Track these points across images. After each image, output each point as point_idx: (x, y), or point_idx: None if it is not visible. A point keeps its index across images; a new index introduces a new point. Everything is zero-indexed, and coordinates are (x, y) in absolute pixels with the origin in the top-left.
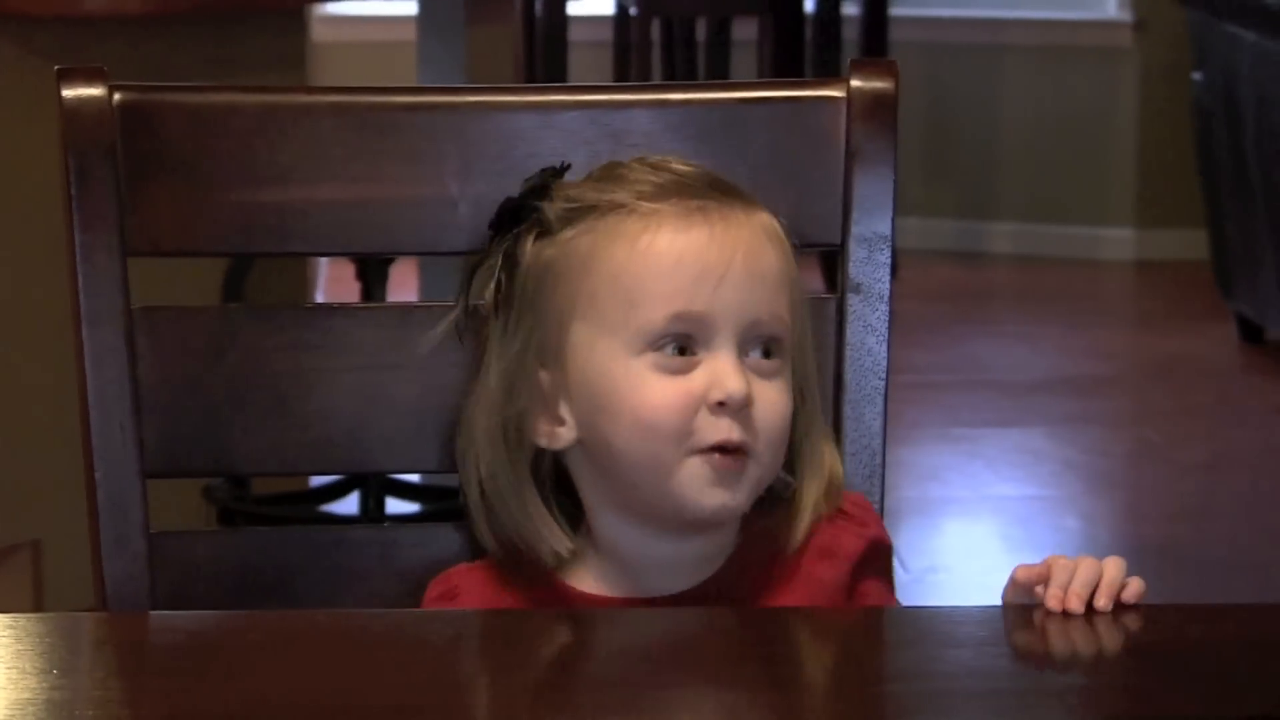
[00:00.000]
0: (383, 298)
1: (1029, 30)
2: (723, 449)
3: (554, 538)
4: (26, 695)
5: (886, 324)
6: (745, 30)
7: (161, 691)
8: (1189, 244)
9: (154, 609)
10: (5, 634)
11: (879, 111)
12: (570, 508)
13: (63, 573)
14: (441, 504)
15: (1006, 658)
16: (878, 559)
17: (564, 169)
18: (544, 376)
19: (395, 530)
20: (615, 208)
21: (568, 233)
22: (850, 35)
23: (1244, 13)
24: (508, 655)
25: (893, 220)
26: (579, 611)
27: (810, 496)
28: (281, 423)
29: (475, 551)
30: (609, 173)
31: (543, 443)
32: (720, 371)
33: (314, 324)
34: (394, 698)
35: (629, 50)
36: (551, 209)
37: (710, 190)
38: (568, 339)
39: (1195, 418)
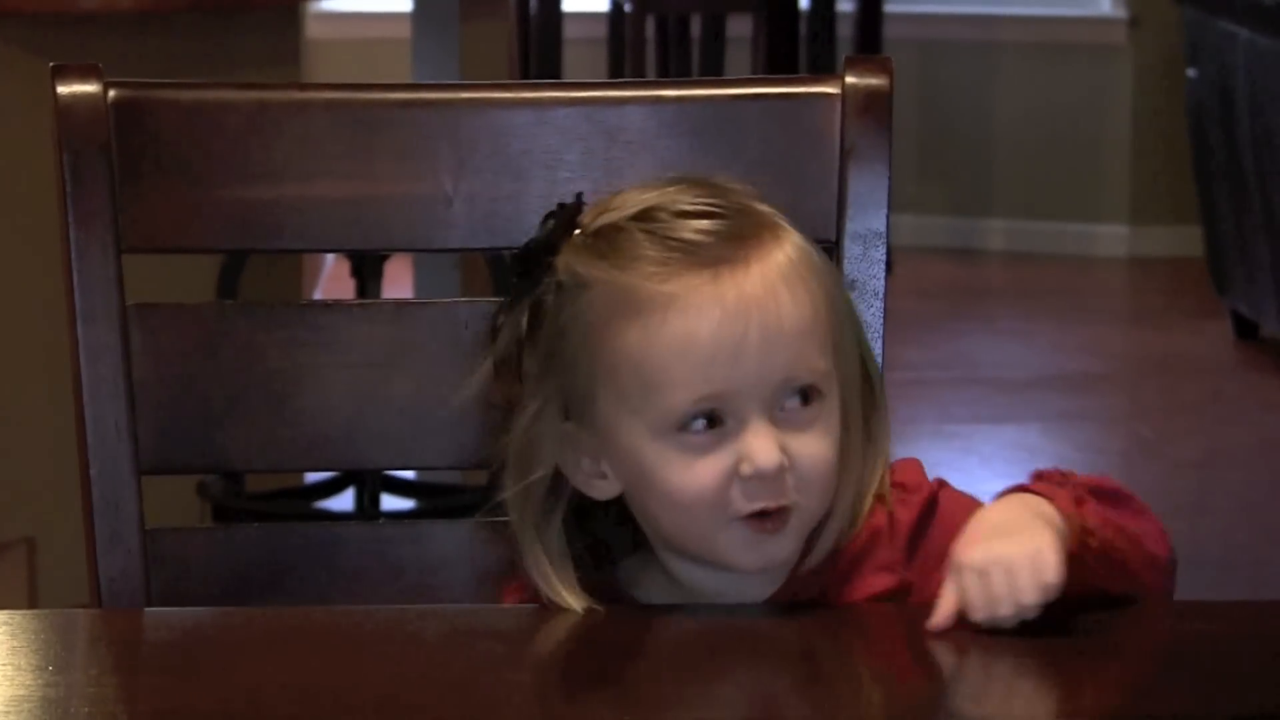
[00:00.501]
0: (377, 294)
1: (1023, 27)
2: (761, 514)
3: (560, 600)
4: (22, 692)
5: (881, 320)
6: (740, 27)
7: (156, 688)
8: (1183, 241)
9: (149, 606)
10: (0, 631)
11: (873, 108)
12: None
13: (57, 570)
14: (437, 501)
15: (1001, 654)
16: (932, 510)
17: (580, 205)
18: (570, 428)
19: (390, 527)
20: (624, 290)
21: (581, 300)
22: (845, 32)
23: (1238, 10)
24: (502, 651)
25: (887, 217)
26: (575, 608)
27: (837, 516)
28: (276, 419)
29: (470, 549)
30: (613, 243)
31: (585, 491)
32: (750, 445)
33: (308, 321)
34: (388, 694)
35: (624, 47)
36: (563, 273)
37: (722, 251)
38: (595, 405)
39: (1190, 414)
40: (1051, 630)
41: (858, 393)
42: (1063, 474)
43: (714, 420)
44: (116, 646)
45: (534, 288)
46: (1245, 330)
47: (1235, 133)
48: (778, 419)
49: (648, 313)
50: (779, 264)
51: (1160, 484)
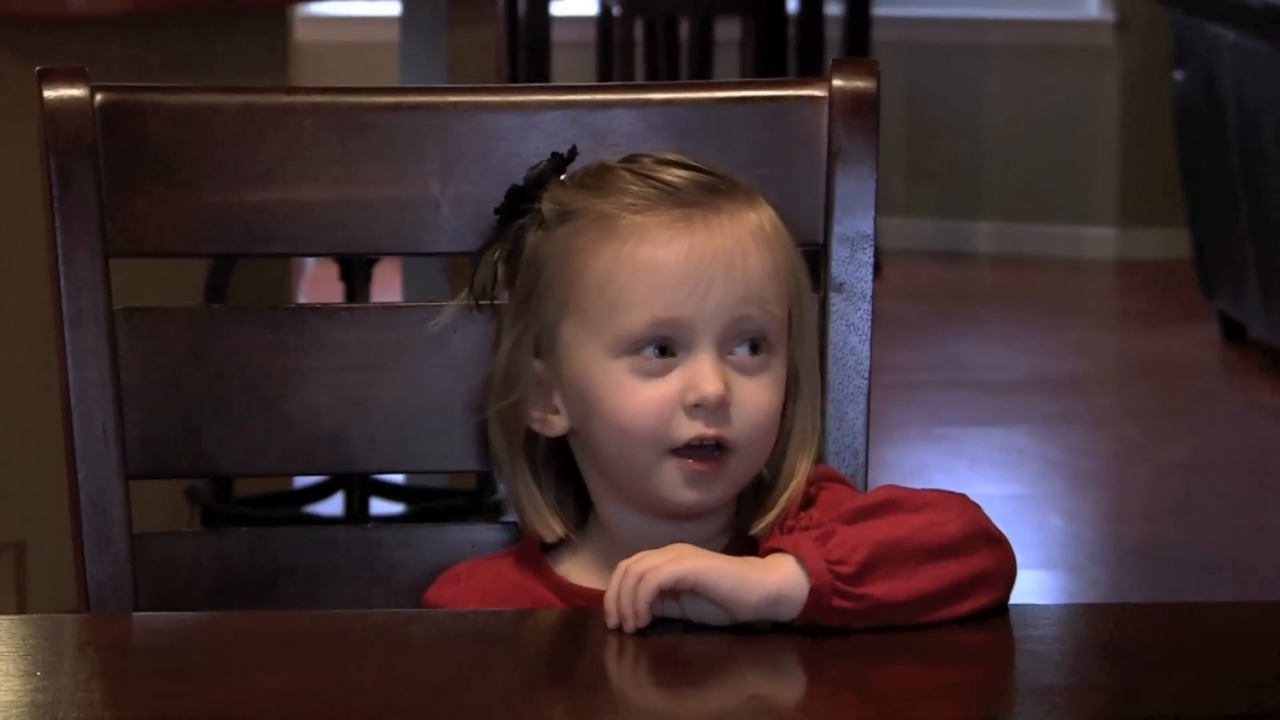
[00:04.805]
0: (366, 298)
1: (1011, 30)
2: (698, 447)
3: (541, 523)
4: (10, 698)
5: (869, 323)
6: (728, 30)
7: (144, 693)
8: (1170, 243)
9: (137, 610)
10: None
11: (861, 111)
12: (578, 494)
13: (46, 575)
14: (425, 505)
15: (987, 658)
16: (813, 499)
17: (571, 156)
18: (539, 366)
19: (379, 531)
20: (602, 217)
21: (560, 231)
22: (833, 35)
23: (1224, 12)
24: (490, 655)
25: (875, 219)
26: (562, 611)
27: (786, 487)
28: (264, 423)
29: (458, 552)
30: (599, 178)
31: (536, 428)
32: (697, 374)
33: (297, 325)
34: (377, 698)
35: (612, 50)
36: (548, 205)
37: (698, 196)
38: (559, 335)
39: (1177, 416)
40: (1030, 633)
41: (816, 379)
42: (813, 518)
43: (666, 350)
44: (104, 651)
45: (517, 223)
46: (1232, 332)
47: (1222, 135)
48: (726, 361)
49: (621, 239)
50: (750, 222)
51: (1147, 485)
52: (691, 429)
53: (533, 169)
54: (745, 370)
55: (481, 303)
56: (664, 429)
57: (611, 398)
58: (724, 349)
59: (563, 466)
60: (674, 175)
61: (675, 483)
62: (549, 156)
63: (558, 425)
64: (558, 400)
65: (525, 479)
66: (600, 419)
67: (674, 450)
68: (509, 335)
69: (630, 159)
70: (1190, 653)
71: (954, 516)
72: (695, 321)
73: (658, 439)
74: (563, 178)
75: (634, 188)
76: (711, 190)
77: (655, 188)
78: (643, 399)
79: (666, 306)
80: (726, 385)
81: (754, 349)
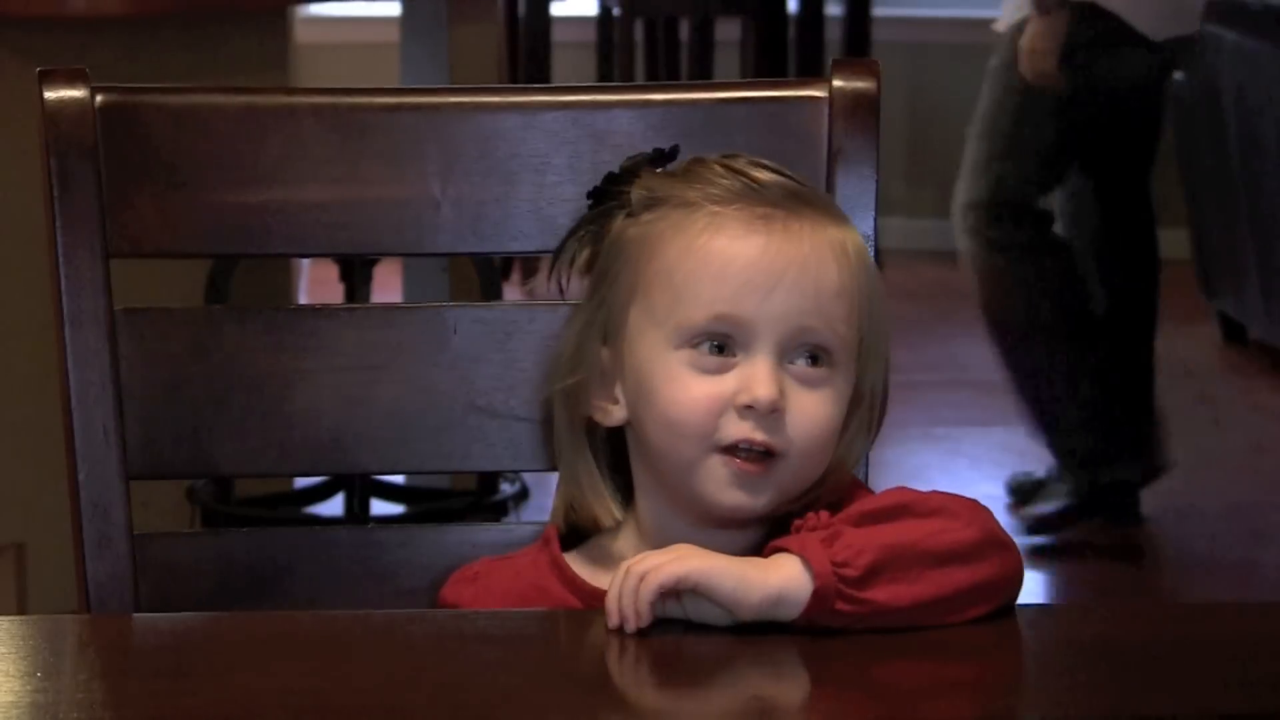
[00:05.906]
0: (366, 299)
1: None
2: (745, 450)
3: (601, 506)
4: (10, 698)
5: None
6: (728, 31)
7: (145, 694)
8: (1171, 244)
9: (137, 611)
10: None
11: (861, 111)
12: (621, 488)
13: (46, 575)
14: (425, 505)
15: (989, 657)
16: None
17: (673, 154)
18: (605, 353)
19: (379, 532)
20: (685, 204)
21: (644, 218)
22: (833, 35)
23: (1224, 14)
24: (492, 656)
25: (875, 219)
26: (563, 611)
27: (819, 489)
28: (265, 424)
29: (459, 553)
30: (690, 168)
31: (597, 417)
32: (752, 377)
33: (297, 325)
34: (377, 699)
35: (612, 51)
36: (638, 191)
37: (782, 200)
38: (626, 321)
39: (1177, 417)
40: (1030, 633)
41: (876, 405)
42: (819, 517)
43: (725, 349)
44: (105, 652)
45: (605, 206)
46: (1233, 333)
47: (1222, 136)
48: (785, 369)
49: (698, 229)
50: (832, 236)
51: (1147, 486)
52: (740, 430)
53: (630, 157)
54: (804, 381)
55: (558, 301)
56: (712, 426)
57: (665, 388)
58: (784, 357)
59: (611, 462)
60: (765, 175)
61: (720, 481)
62: (652, 149)
63: (615, 415)
64: (618, 390)
65: (587, 460)
66: (652, 409)
67: (721, 449)
68: (580, 317)
69: (727, 154)
70: (1190, 653)
71: (965, 523)
72: (756, 322)
73: (705, 435)
74: (658, 170)
75: (722, 180)
76: (798, 197)
77: (743, 183)
78: (695, 394)
79: (729, 302)
80: (781, 392)
81: (814, 361)
